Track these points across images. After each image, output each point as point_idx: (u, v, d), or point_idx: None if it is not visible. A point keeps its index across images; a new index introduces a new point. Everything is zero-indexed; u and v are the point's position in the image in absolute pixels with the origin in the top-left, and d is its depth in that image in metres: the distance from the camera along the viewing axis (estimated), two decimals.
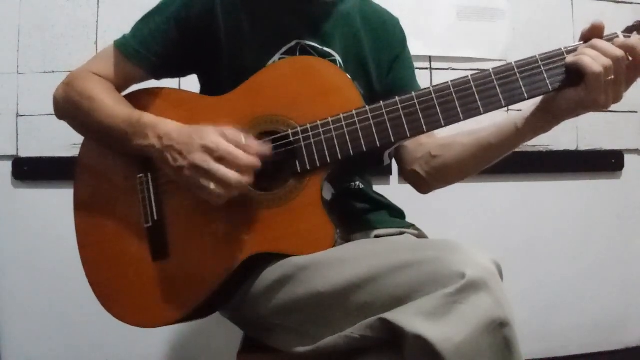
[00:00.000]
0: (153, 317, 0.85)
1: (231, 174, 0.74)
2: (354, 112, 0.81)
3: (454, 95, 0.78)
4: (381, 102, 0.81)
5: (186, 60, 0.94)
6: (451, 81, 0.79)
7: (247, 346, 0.93)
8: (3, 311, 1.49)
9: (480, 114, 0.79)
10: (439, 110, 0.79)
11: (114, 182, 0.90)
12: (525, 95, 0.77)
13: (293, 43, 0.92)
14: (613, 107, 0.76)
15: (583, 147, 1.75)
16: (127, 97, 0.92)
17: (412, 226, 0.99)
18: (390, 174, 1.57)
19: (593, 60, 0.73)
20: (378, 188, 1.03)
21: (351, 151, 0.80)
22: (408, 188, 1.03)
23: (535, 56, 0.78)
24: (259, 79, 0.87)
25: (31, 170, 1.48)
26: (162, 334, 1.53)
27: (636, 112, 1.78)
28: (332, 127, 0.81)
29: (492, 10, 1.69)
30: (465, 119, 0.79)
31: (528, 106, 0.84)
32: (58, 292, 1.48)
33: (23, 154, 1.49)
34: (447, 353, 0.59)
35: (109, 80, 0.91)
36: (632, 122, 1.78)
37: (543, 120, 0.82)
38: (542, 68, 0.77)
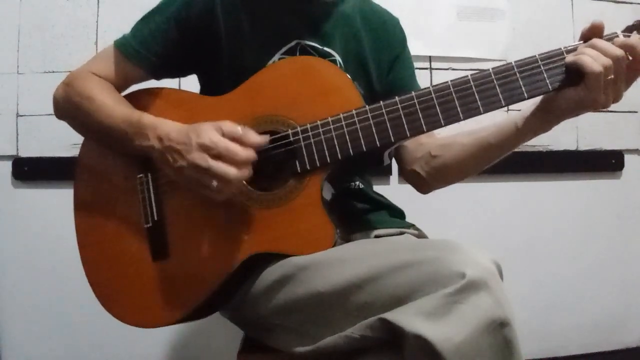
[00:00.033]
0: (153, 317, 0.85)
1: (230, 170, 0.74)
2: (353, 112, 0.81)
3: (454, 95, 0.78)
4: (381, 102, 0.81)
5: (186, 60, 0.94)
6: (451, 81, 0.79)
7: (247, 346, 0.93)
8: (3, 311, 1.49)
9: (480, 114, 0.79)
10: (438, 110, 0.79)
11: (114, 182, 0.90)
12: (525, 95, 0.77)
13: (293, 43, 0.92)
14: (613, 107, 0.76)
15: (583, 147, 1.75)
16: (127, 97, 0.92)
17: (412, 226, 0.99)
18: (390, 174, 1.57)
19: (593, 59, 0.73)
20: (378, 188, 1.03)
21: (351, 151, 0.80)
22: (408, 188, 1.03)
23: (535, 56, 0.78)
24: (259, 79, 0.87)
25: (31, 170, 1.48)
26: (162, 334, 1.52)
27: (636, 112, 1.78)
28: (332, 127, 0.81)
29: (492, 10, 1.69)
30: (465, 118, 0.79)
31: (528, 106, 0.84)
32: (58, 292, 1.48)
33: (23, 154, 1.49)
34: (447, 353, 0.59)
35: (108, 80, 0.91)
36: (632, 122, 1.78)
37: (543, 120, 0.82)
38: (542, 68, 0.77)
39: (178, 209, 0.86)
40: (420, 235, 0.98)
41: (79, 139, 0.94)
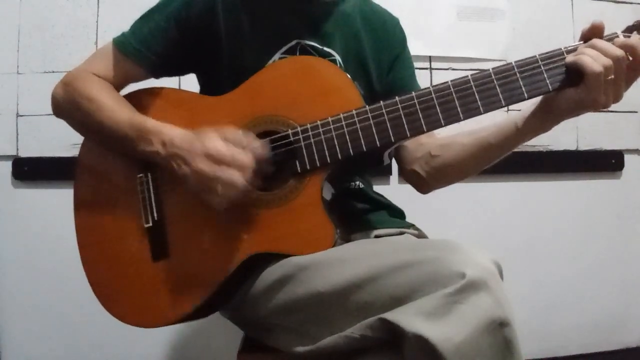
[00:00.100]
0: (153, 317, 0.85)
1: (235, 178, 0.75)
2: (354, 112, 0.81)
3: (454, 95, 0.78)
4: (381, 102, 0.81)
5: (186, 60, 0.94)
6: (451, 81, 0.79)
7: (247, 346, 0.93)
8: (3, 311, 1.49)
9: (480, 114, 0.79)
10: (439, 110, 0.79)
11: (114, 182, 0.90)
12: (525, 95, 0.77)
13: (293, 43, 0.92)
14: (613, 107, 0.76)
15: (583, 147, 1.75)
16: (127, 97, 0.91)
17: (412, 226, 0.99)
18: (390, 174, 1.57)
19: (593, 59, 0.73)
20: (378, 188, 1.03)
21: (351, 151, 0.80)
22: (408, 188, 1.03)
23: (535, 56, 0.78)
24: (259, 79, 0.87)
25: (31, 170, 1.48)
26: (162, 334, 1.52)
27: (636, 112, 1.78)
28: (332, 127, 0.81)
29: (492, 10, 1.69)
30: (465, 118, 0.79)
31: (528, 106, 0.84)
32: (58, 292, 1.48)
33: (23, 154, 1.49)
34: (447, 353, 0.59)
35: (107, 78, 0.91)
36: (632, 122, 1.78)
37: (543, 120, 0.82)
38: (542, 68, 0.77)
39: (178, 209, 0.86)
40: (420, 235, 0.98)
41: (79, 139, 0.94)
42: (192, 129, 0.83)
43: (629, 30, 0.78)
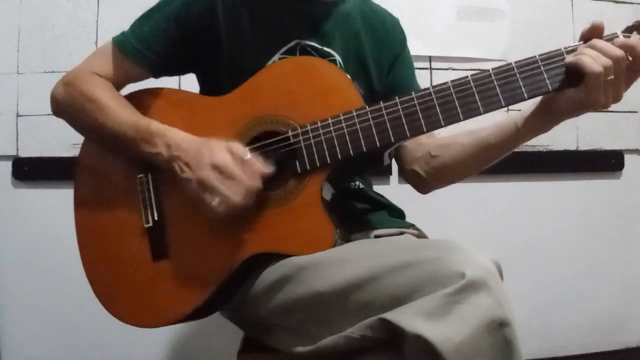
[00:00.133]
0: (153, 317, 0.85)
1: (236, 196, 0.77)
2: (353, 112, 0.81)
3: (454, 95, 0.78)
4: (381, 102, 0.81)
5: (186, 60, 0.94)
6: (451, 81, 0.79)
7: (247, 346, 0.93)
8: (3, 311, 1.49)
9: (480, 114, 0.79)
10: (438, 110, 0.79)
11: (114, 182, 0.90)
12: (525, 95, 0.77)
13: (293, 43, 0.92)
14: (613, 107, 0.76)
15: (583, 147, 1.75)
16: (127, 97, 0.91)
17: (412, 226, 0.99)
18: (390, 174, 1.57)
19: (593, 60, 0.73)
20: (378, 188, 1.03)
21: (351, 151, 0.80)
22: (408, 188, 1.03)
23: (535, 56, 0.78)
24: (259, 79, 0.87)
25: (31, 170, 1.48)
26: (162, 334, 1.52)
27: (636, 112, 1.78)
28: (332, 127, 0.81)
29: (492, 10, 1.69)
30: (465, 119, 0.79)
31: (528, 106, 0.84)
32: (58, 292, 1.48)
33: (23, 154, 1.49)
34: (447, 353, 0.59)
35: (107, 78, 0.91)
36: (632, 122, 1.78)
37: (543, 120, 0.82)
38: (542, 68, 0.77)
39: (178, 209, 0.86)
40: (420, 235, 0.98)
41: (79, 139, 0.94)
42: (192, 129, 0.83)
43: (628, 30, 0.78)
